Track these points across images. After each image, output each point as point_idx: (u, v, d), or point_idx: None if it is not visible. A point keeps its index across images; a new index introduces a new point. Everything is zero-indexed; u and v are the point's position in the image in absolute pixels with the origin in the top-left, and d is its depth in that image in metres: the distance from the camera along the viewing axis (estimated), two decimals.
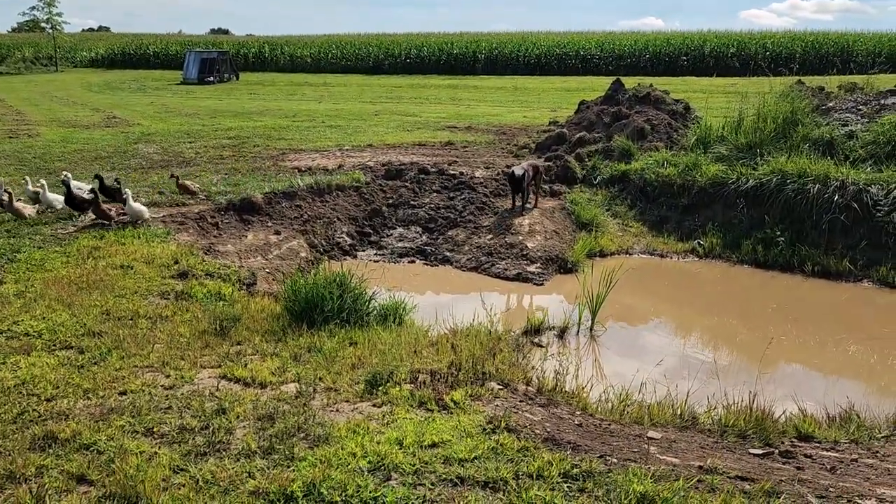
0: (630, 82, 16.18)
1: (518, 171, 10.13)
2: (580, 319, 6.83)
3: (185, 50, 46.82)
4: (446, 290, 8.69)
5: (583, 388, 4.99)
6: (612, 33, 49.80)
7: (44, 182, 9.12)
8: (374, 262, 9.31)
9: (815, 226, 9.35)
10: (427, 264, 9.34)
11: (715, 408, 4.86)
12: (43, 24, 57.83)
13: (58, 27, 56.26)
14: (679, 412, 4.65)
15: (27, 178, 9.50)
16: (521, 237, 9.42)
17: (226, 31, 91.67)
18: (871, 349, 7.12)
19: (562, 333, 6.67)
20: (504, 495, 3.18)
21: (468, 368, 4.76)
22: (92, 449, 3.65)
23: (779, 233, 9.51)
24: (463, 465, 3.43)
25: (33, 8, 60.92)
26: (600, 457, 3.57)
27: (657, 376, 5.62)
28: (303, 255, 9.00)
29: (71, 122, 19.76)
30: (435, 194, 11.01)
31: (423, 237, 10.08)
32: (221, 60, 41.72)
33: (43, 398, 4.26)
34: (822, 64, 35.67)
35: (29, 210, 8.57)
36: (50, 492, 3.26)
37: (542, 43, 45.43)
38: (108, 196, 9.00)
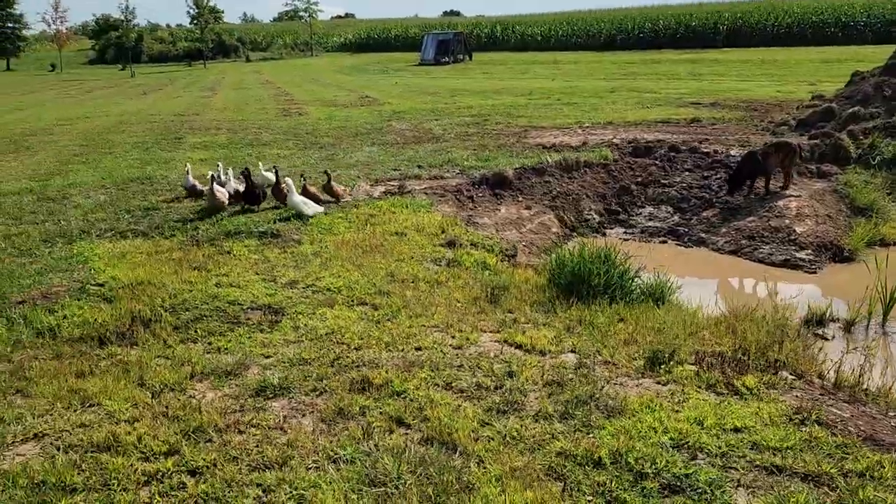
0: None
1: (758, 151, 9.51)
2: (871, 313, 6.15)
3: (423, 33, 49.25)
4: (704, 272, 8.30)
5: (890, 388, 4.49)
6: None
7: (189, 167, 9.03)
8: (624, 240, 9.13)
9: None
10: (680, 245, 8.97)
11: None
12: (301, 14, 64.29)
13: (314, 16, 62.12)
14: None
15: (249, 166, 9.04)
16: (787, 220, 8.69)
17: (457, 13, 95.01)
18: None
19: (848, 327, 6.06)
20: (831, 492, 2.97)
21: (755, 354, 4.51)
22: (403, 396, 3.99)
23: None
24: (775, 454, 3.25)
25: None
26: None
27: None
28: (554, 230, 9.09)
29: (331, 102, 21.72)
30: (687, 173, 10.52)
31: (675, 217, 9.70)
32: (456, 41, 43.31)
33: (352, 347, 4.74)
34: None
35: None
36: (376, 429, 3.62)
37: (795, 10, 41.33)
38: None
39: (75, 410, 3.89)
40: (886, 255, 6.69)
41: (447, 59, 41.99)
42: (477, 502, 2.94)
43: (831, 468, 3.11)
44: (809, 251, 8.09)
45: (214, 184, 8.05)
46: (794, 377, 4.32)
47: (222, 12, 73.06)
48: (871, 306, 6.15)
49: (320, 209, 8.08)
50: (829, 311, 6.14)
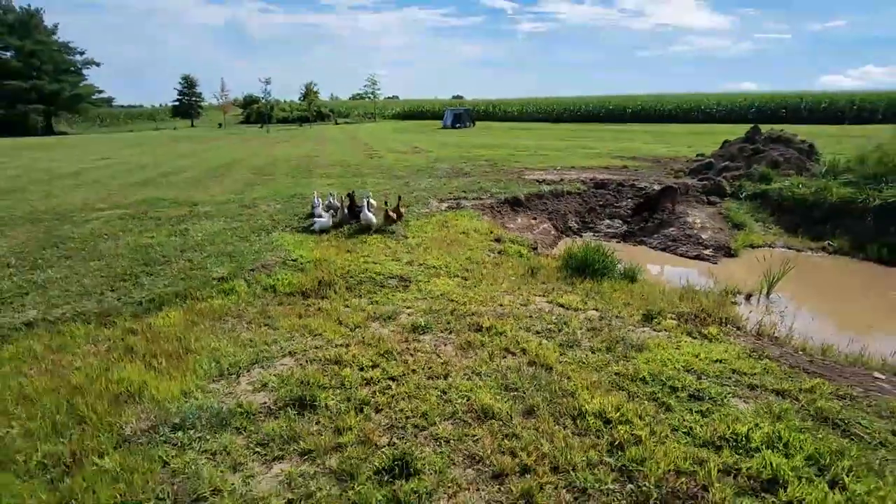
0: (741, 131, 13.94)
1: (653, 193, 9.43)
2: (762, 288, 6.09)
3: (444, 109, 48.66)
4: (647, 261, 8.18)
5: (790, 336, 4.44)
6: (726, 94, 43.28)
7: (316, 193, 7.58)
8: (594, 240, 9.02)
9: None
10: (628, 244, 8.88)
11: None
12: (368, 94, 63.63)
13: (376, 96, 61.47)
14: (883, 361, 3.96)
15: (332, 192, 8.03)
16: (696, 230, 8.60)
17: (461, 97, 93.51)
18: None
19: (748, 297, 6.00)
20: (795, 402, 2.93)
21: (709, 313, 4.46)
22: (503, 335, 3.94)
23: None
24: (750, 378, 3.22)
25: (366, 86, 67.18)
26: (849, 386, 3.16)
27: (830, 334, 4.85)
28: (552, 233, 9.00)
29: (396, 150, 21.45)
30: (629, 200, 10.39)
31: (624, 227, 9.59)
32: (466, 114, 42.73)
33: (460, 303, 4.69)
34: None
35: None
36: (496, 355, 3.58)
37: (672, 101, 40.81)
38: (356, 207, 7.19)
39: (306, 338, 3.87)
40: (764, 255, 6.61)
41: (459, 125, 41.39)
42: (580, 402, 2.91)
43: (790, 387, 3.08)
44: (711, 250, 8.00)
45: (366, 207, 7.02)
46: (735, 328, 4.27)
47: (318, 93, 72.19)
48: (762, 284, 6.08)
49: (374, 225, 7.01)
50: (735, 287, 6.07)
